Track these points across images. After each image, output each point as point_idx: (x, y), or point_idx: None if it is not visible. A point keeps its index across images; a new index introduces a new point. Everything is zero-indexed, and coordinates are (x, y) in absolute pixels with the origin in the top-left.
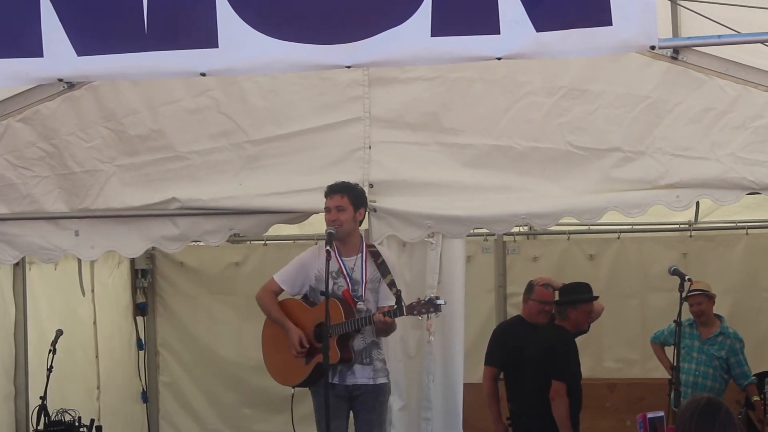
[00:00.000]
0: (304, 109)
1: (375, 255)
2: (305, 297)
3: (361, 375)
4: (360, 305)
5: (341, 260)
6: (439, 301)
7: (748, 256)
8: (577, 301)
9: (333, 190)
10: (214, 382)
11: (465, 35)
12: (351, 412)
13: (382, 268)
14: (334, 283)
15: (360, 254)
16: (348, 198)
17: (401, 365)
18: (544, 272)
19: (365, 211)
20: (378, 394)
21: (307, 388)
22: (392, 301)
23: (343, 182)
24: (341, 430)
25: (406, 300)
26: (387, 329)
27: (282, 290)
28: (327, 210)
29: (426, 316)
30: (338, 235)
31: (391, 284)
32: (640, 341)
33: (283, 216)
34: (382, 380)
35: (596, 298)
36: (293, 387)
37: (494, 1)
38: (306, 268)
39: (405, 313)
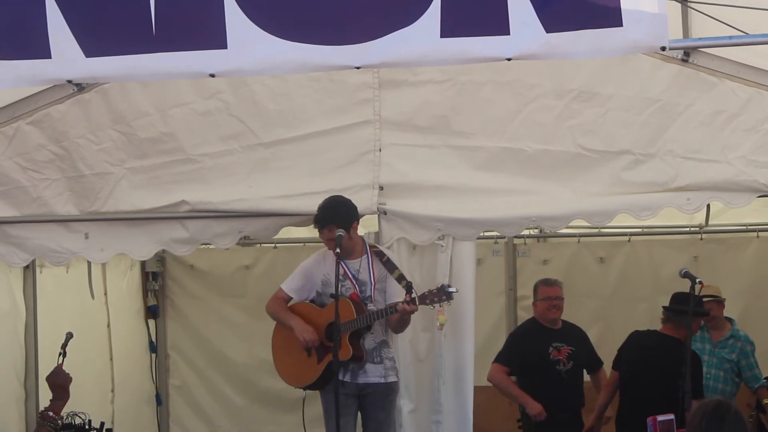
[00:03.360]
0: (314, 111)
1: (379, 254)
2: (312, 302)
3: (372, 373)
4: (370, 306)
5: (345, 264)
6: (450, 289)
7: (759, 259)
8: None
9: (320, 224)
10: (225, 385)
11: (474, 36)
12: (360, 411)
13: (389, 265)
14: (342, 286)
15: (365, 255)
16: (336, 225)
17: (411, 368)
18: (554, 275)
19: (358, 222)
20: (388, 392)
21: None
22: (401, 297)
23: (327, 208)
24: (349, 427)
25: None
26: (406, 321)
27: (290, 298)
28: (327, 240)
29: (438, 304)
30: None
31: (401, 278)
32: None
33: (292, 218)
34: (392, 378)
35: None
36: (305, 389)
37: (504, 2)
38: (311, 274)
39: (418, 303)
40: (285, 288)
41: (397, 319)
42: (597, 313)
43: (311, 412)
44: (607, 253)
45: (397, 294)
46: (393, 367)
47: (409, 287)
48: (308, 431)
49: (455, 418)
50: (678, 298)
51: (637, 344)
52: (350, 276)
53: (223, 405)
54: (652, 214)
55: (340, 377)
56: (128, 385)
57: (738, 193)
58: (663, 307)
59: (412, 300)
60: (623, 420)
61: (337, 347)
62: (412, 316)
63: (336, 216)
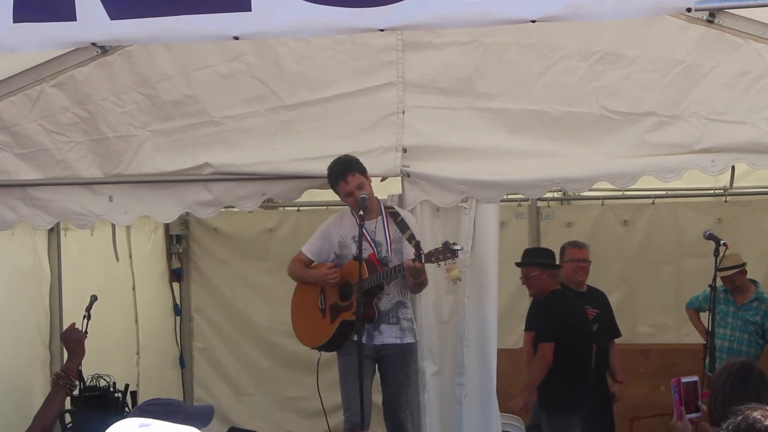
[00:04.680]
0: (337, 74)
1: (394, 215)
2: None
3: (387, 335)
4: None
5: (363, 224)
6: (455, 247)
7: None
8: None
9: (347, 171)
10: (248, 348)
11: None
12: (379, 373)
13: (402, 225)
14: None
15: (380, 216)
16: (359, 172)
17: (434, 331)
18: (578, 238)
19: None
20: (405, 354)
21: (335, 353)
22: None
23: (344, 159)
24: (366, 389)
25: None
26: (418, 280)
27: (311, 261)
28: (348, 194)
29: (444, 262)
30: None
31: (411, 237)
32: (674, 307)
33: (316, 181)
34: (409, 340)
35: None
36: (319, 349)
37: None
38: (329, 235)
39: (423, 261)
40: (305, 250)
41: (411, 280)
42: (621, 275)
43: (327, 378)
44: (631, 216)
45: (411, 254)
46: (410, 328)
47: (417, 246)
48: (325, 396)
49: (479, 380)
50: (529, 253)
51: (575, 308)
52: (367, 237)
53: (247, 367)
54: (677, 176)
55: (354, 339)
56: (153, 348)
57: (763, 155)
58: (519, 264)
59: (418, 257)
60: (562, 387)
61: (360, 308)
62: (435, 278)
63: (354, 165)
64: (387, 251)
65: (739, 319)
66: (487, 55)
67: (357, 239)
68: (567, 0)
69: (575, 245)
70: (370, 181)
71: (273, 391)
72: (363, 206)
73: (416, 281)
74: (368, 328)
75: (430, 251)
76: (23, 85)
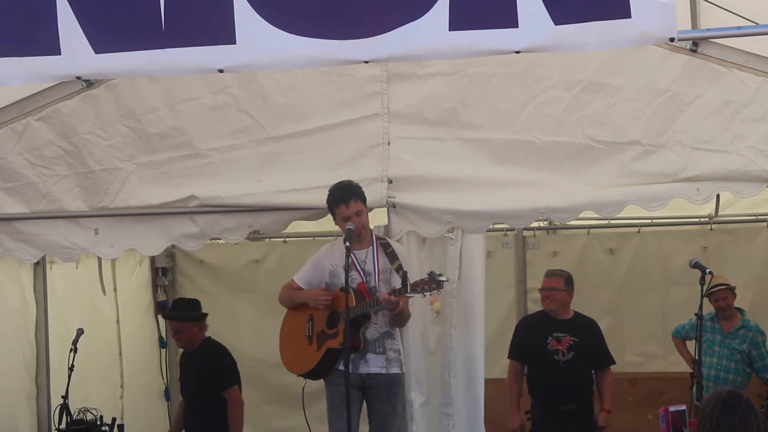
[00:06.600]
0: (323, 105)
1: (385, 246)
2: None
3: (374, 364)
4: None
5: (354, 253)
6: (441, 278)
7: None
8: None
9: (350, 196)
10: None
11: (483, 29)
12: (365, 402)
13: (391, 256)
14: (349, 277)
15: (371, 246)
16: (361, 200)
17: (422, 361)
18: (564, 267)
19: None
20: (391, 385)
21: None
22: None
23: (348, 184)
24: (353, 420)
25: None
26: (397, 313)
27: (301, 289)
28: (346, 218)
29: (429, 293)
30: (361, 235)
31: (399, 268)
32: (661, 335)
33: (302, 212)
34: (395, 370)
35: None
36: (305, 376)
37: None
38: (321, 265)
39: (409, 291)
40: (296, 279)
41: (388, 307)
42: (607, 304)
43: (317, 409)
44: (617, 245)
45: (398, 284)
46: (397, 359)
47: (404, 276)
48: (314, 427)
49: (466, 410)
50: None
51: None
52: (357, 267)
53: None
54: (662, 205)
55: (341, 367)
56: (138, 381)
57: (747, 183)
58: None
59: (396, 291)
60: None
61: (347, 338)
62: (422, 308)
63: (358, 191)
64: (375, 281)
65: (725, 347)
66: (471, 86)
67: (346, 269)
68: (551, 31)
69: (547, 274)
70: (367, 211)
71: (261, 423)
72: (349, 238)
73: (392, 314)
74: (354, 357)
75: (416, 281)
76: (8, 119)
